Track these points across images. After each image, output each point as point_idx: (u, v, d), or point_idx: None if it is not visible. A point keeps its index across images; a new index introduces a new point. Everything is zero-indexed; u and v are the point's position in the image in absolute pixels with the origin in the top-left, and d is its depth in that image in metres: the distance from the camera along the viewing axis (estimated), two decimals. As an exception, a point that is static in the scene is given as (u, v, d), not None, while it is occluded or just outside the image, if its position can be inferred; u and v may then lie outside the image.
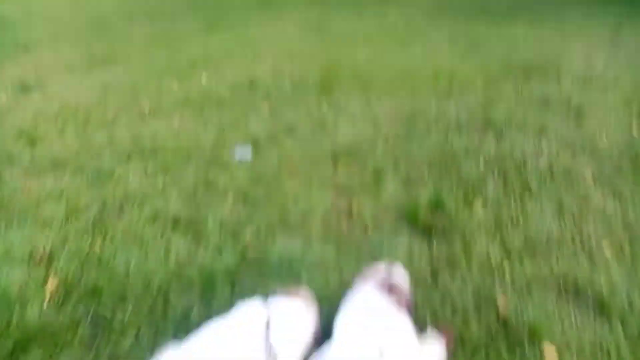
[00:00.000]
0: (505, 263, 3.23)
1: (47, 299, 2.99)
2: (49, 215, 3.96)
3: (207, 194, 4.28)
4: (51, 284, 3.12)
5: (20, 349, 2.59)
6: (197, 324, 2.67)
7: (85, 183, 4.54)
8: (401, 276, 2.59)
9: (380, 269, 2.61)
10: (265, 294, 2.55)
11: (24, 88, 7.15)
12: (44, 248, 3.49)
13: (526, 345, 2.52)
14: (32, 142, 5.31)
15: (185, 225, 3.77)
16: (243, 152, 5.10)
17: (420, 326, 2.47)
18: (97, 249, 3.50)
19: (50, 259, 3.39)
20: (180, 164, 4.91)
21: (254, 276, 3.12)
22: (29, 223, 3.86)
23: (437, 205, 3.88)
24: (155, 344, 2.60)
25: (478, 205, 3.92)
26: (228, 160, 4.96)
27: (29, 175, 4.73)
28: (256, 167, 4.80)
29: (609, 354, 2.51)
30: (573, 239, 3.45)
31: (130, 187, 4.43)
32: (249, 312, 2.37)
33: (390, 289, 2.36)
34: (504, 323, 2.70)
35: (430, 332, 2.37)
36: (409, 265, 3.20)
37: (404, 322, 2.27)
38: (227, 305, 2.50)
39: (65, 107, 6.28)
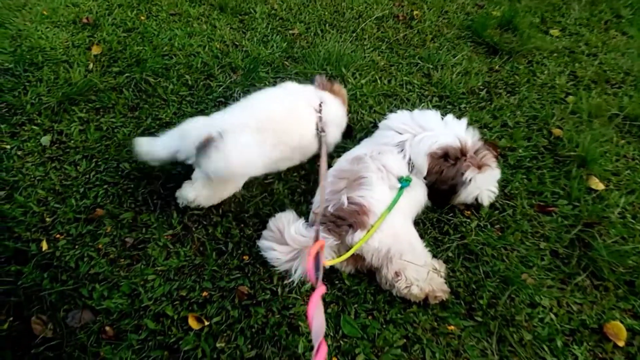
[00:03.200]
0: (572, 92, 2.95)
1: (92, 64, 2.97)
2: (92, -15, 3.77)
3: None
4: (95, 50, 3.08)
5: (69, 102, 2.65)
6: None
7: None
8: None
9: None
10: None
11: None
12: (88, 15, 3.38)
13: (573, 171, 2.38)
14: None
15: (232, 13, 3.53)
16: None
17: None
18: (141, 23, 3.36)
19: (95, 26, 3.29)
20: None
21: (299, 67, 2.97)
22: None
23: (509, 24, 3.44)
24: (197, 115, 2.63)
25: (556, 31, 3.47)
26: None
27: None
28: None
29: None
30: (654, 78, 3.07)
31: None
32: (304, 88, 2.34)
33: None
34: (554, 148, 2.55)
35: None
36: (465, 80, 2.97)
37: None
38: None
39: None
